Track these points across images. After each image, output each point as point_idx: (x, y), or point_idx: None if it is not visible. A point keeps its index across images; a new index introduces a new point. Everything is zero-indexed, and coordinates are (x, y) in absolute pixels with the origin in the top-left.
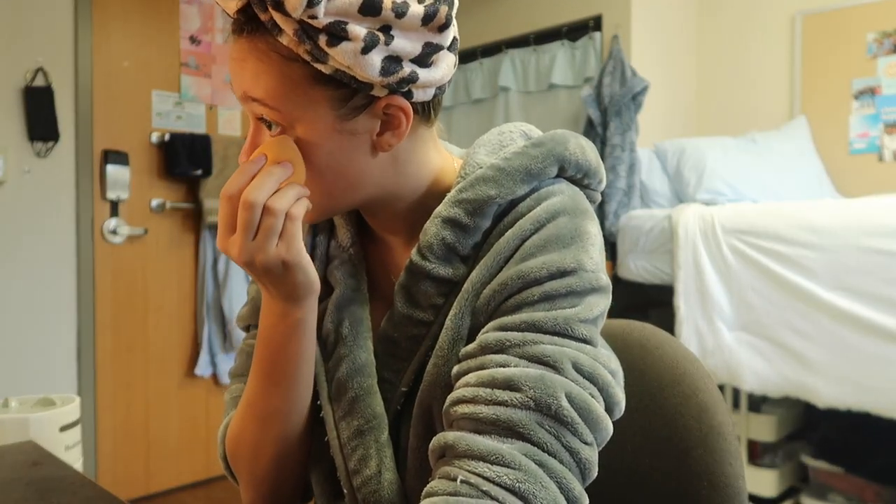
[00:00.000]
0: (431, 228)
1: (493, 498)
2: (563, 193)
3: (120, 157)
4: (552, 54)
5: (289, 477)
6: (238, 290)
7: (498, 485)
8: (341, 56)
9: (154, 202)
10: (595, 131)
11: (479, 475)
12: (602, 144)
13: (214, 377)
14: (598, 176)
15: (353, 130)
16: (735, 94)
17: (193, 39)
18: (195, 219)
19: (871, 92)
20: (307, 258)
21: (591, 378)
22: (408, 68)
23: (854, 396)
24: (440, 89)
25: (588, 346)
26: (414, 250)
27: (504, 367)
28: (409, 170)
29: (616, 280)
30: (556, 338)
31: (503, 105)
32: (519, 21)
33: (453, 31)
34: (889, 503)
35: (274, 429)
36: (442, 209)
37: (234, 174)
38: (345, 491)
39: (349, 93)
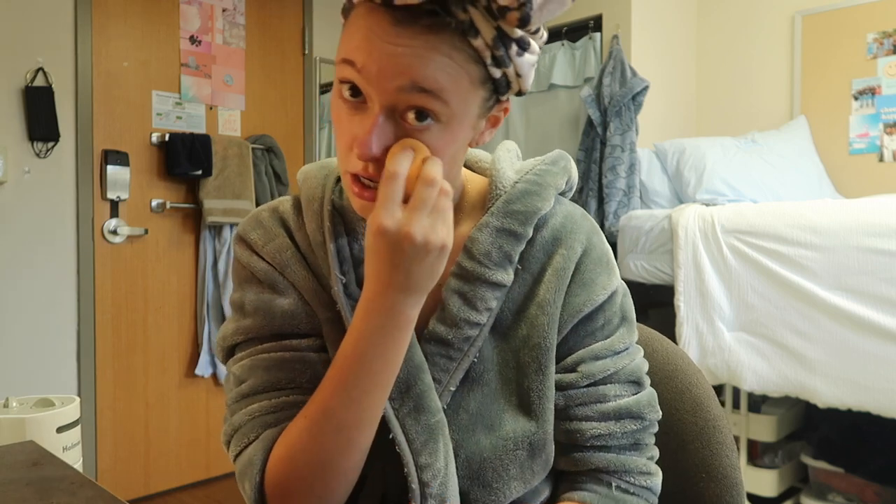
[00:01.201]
0: (486, 238)
1: (649, 489)
2: (577, 212)
3: (120, 157)
4: (552, 54)
5: (348, 491)
6: None
7: (642, 486)
8: (522, 65)
9: (154, 202)
10: (595, 131)
11: (630, 482)
12: (602, 144)
13: (214, 377)
14: (574, 189)
15: (476, 126)
16: (735, 94)
17: (193, 39)
18: (195, 219)
19: (871, 92)
20: None
21: (647, 373)
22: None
23: (854, 396)
24: None
25: (636, 347)
26: (462, 257)
27: (618, 397)
28: (460, 172)
29: None
30: (626, 354)
31: None
32: None
33: None
34: (889, 503)
35: (352, 439)
36: (493, 220)
37: (389, 158)
38: (412, 486)
39: (493, 94)
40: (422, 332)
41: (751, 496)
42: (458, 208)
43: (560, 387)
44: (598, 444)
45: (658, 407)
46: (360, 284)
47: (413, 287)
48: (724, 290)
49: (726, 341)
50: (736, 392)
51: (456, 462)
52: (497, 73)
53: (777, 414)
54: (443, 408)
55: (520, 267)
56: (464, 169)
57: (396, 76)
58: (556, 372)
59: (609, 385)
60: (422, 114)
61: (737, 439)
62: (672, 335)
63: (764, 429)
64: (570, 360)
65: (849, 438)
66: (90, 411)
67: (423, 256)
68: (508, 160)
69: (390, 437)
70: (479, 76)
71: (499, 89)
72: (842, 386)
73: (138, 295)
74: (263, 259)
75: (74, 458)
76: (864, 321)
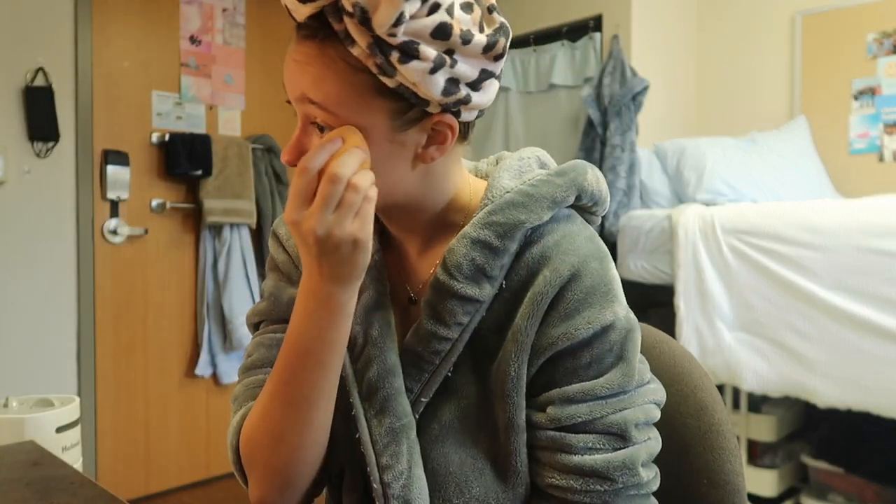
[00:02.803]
0: (460, 248)
1: None
2: (582, 233)
3: (120, 157)
4: (552, 54)
5: (305, 468)
6: (238, 291)
7: None
8: (410, 73)
9: (154, 202)
10: (595, 131)
11: None
12: (602, 144)
13: (214, 377)
14: (605, 204)
15: (403, 142)
16: (735, 94)
17: (193, 39)
18: (195, 219)
19: (871, 92)
20: (371, 241)
21: (647, 424)
22: (464, 91)
23: (854, 396)
24: (482, 111)
25: (637, 393)
26: (439, 268)
27: (589, 450)
28: (437, 184)
29: None
30: (614, 400)
31: (503, 105)
32: (519, 21)
33: (502, 62)
34: (889, 503)
35: (300, 416)
36: (471, 230)
37: (312, 150)
38: (374, 486)
39: (406, 106)
40: (403, 340)
41: (751, 496)
42: (444, 219)
43: (528, 423)
44: (558, 496)
45: (638, 470)
46: None
47: (337, 278)
48: (724, 290)
49: (726, 341)
50: (736, 392)
51: (424, 470)
52: (389, 82)
53: (777, 414)
54: (415, 416)
55: (504, 283)
56: (470, 177)
57: (293, 90)
58: (528, 406)
59: (580, 435)
60: (324, 126)
61: (737, 439)
62: (672, 335)
63: (764, 429)
64: (542, 397)
65: (849, 438)
66: (90, 411)
67: (332, 251)
68: (514, 168)
69: (357, 435)
70: (370, 86)
71: (409, 100)
72: (842, 386)
73: (138, 295)
74: (286, 251)
75: (74, 458)
76: (864, 321)
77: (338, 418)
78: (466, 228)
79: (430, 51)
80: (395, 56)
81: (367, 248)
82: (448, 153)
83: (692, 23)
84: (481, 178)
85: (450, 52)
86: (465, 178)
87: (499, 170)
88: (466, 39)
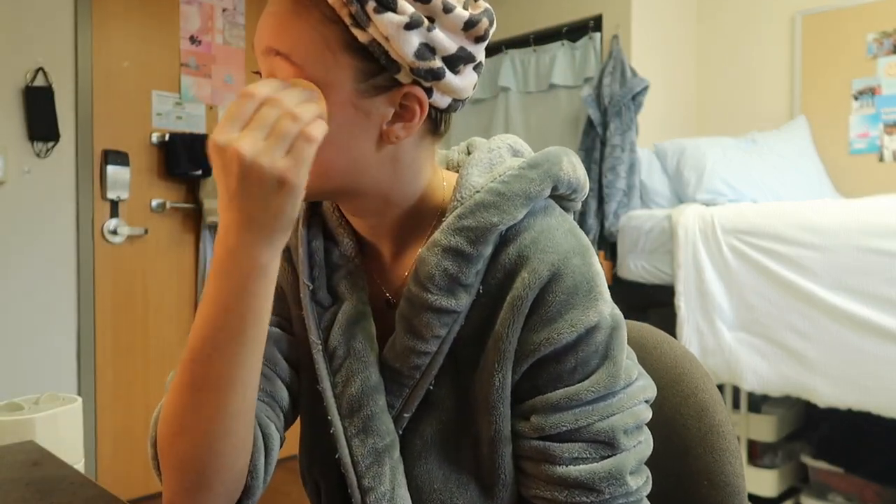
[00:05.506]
0: (431, 258)
1: None
2: (561, 227)
3: (120, 157)
4: (552, 54)
5: (219, 463)
6: None
7: None
8: (384, 25)
9: (154, 202)
10: (595, 131)
11: None
12: (602, 144)
13: None
14: (583, 191)
15: (368, 110)
16: (735, 94)
17: (193, 39)
18: (195, 219)
19: (871, 92)
20: (303, 193)
21: (637, 427)
22: (438, 62)
23: (854, 396)
24: (456, 102)
25: (626, 395)
26: (411, 280)
27: (574, 461)
28: (405, 176)
29: (616, 280)
30: (601, 405)
31: (503, 105)
32: (519, 21)
33: (483, 50)
34: (889, 503)
35: (209, 401)
36: (441, 237)
37: (264, 81)
38: None
39: (376, 68)
40: (382, 348)
41: (751, 496)
42: (416, 217)
43: (513, 433)
44: None
45: (626, 479)
46: (331, 291)
47: (257, 225)
48: (724, 290)
49: (726, 341)
50: (736, 392)
51: (408, 488)
52: (362, 36)
53: (777, 414)
54: (398, 432)
55: (481, 288)
56: (445, 173)
57: (260, 42)
58: (513, 415)
59: (565, 444)
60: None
61: (737, 440)
62: (672, 335)
63: (764, 429)
64: (526, 405)
65: (849, 438)
66: (90, 411)
67: (255, 183)
68: (484, 162)
69: (336, 456)
70: (341, 40)
71: (378, 60)
72: (842, 386)
73: (138, 295)
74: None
75: (74, 458)
76: (864, 321)
77: (310, 433)
78: (436, 235)
79: (408, 6)
80: (371, 6)
81: (295, 197)
82: (416, 144)
83: (692, 23)
84: (453, 169)
85: (429, 18)
86: (439, 174)
87: (468, 164)
88: (448, 8)
